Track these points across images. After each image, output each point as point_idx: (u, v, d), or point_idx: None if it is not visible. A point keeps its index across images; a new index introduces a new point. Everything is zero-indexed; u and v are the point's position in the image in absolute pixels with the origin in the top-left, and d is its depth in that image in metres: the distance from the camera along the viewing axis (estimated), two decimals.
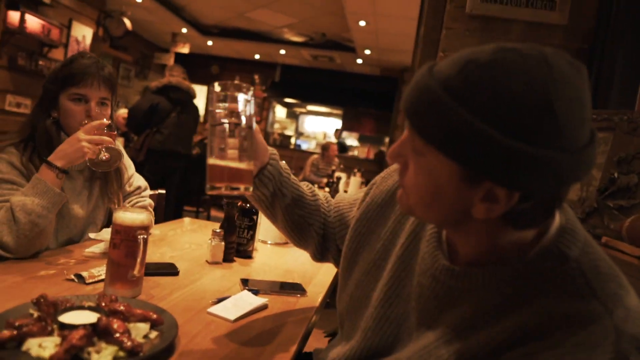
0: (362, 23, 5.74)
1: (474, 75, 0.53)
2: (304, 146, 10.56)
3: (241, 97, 0.77)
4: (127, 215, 0.98)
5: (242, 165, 0.77)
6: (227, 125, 0.76)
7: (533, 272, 0.59)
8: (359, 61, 8.15)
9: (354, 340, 0.82)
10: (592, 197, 1.46)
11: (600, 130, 1.52)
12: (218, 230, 1.38)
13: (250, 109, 0.78)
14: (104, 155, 1.26)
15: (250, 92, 0.78)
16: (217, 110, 0.77)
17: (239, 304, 1.02)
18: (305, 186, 0.99)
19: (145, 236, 0.96)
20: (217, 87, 0.77)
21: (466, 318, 0.63)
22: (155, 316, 0.80)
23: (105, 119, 1.28)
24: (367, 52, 7.35)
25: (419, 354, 0.67)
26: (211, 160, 0.76)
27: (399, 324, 0.75)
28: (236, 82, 0.78)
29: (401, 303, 0.76)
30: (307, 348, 1.03)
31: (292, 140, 10.24)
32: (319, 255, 1.02)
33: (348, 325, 0.87)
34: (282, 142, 9.37)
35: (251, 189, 0.80)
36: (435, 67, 0.58)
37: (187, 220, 2.01)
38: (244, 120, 0.77)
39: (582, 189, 1.52)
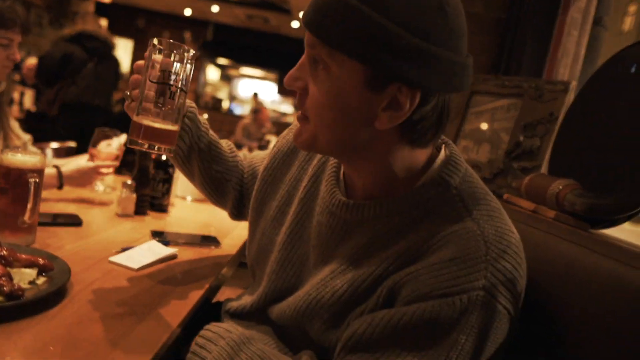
0: None
1: None
2: (238, 111, 10.29)
3: (178, 57, 0.74)
4: (18, 158, 0.91)
5: (168, 127, 0.74)
6: (160, 85, 0.73)
7: (420, 200, 0.62)
8: (295, 24, 7.98)
9: (261, 286, 0.81)
10: (500, 159, 1.55)
11: (511, 97, 1.61)
12: (129, 182, 1.30)
13: (186, 70, 0.75)
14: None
15: (190, 54, 0.75)
16: (153, 68, 0.73)
17: (146, 253, 0.98)
18: (224, 143, 0.97)
19: (37, 180, 0.89)
20: (155, 41, 0.74)
21: (359, 248, 0.66)
22: (43, 262, 0.74)
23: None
24: None
25: (316, 287, 0.68)
26: (137, 117, 0.73)
27: (301, 264, 0.76)
28: (173, 41, 0.74)
29: (303, 244, 0.76)
30: None
31: (225, 104, 9.93)
32: (236, 212, 1.00)
33: (258, 274, 0.86)
34: (214, 105, 9.05)
35: (173, 150, 0.78)
36: None
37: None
38: (174, 79, 0.74)
39: (492, 151, 1.62)
